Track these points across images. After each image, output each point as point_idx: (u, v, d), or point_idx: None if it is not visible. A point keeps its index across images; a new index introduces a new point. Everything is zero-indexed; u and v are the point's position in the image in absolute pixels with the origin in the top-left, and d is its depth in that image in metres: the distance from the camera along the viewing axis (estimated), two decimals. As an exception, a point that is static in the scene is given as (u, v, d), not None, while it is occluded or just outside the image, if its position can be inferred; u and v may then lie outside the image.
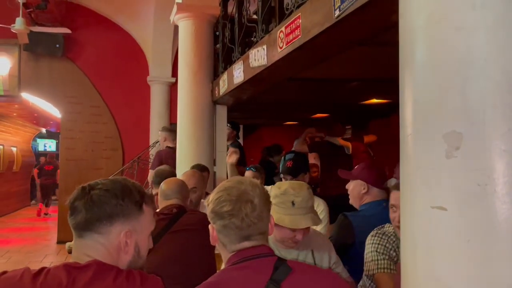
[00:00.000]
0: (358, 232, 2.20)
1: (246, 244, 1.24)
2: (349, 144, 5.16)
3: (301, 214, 1.68)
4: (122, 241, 1.18)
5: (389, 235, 1.96)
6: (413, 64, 1.07)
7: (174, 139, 4.95)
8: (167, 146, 5.03)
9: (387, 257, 1.89)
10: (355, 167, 2.57)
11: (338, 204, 2.76)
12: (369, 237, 2.00)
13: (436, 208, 0.98)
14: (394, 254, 1.91)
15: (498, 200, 0.90)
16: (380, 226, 2.03)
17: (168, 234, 2.15)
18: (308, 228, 1.77)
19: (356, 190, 2.45)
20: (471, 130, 0.93)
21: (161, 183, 2.44)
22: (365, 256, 1.97)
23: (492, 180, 0.90)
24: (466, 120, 0.94)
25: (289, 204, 1.69)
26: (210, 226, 1.30)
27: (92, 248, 1.17)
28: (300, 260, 1.83)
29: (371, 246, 1.94)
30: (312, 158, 6.32)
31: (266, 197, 1.30)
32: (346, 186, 2.51)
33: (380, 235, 1.96)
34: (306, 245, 1.88)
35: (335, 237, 2.27)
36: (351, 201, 2.51)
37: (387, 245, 1.92)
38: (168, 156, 4.83)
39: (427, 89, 1.02)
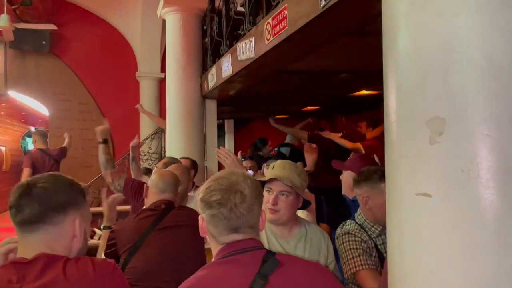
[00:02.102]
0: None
1: (235, 236, 1.22)
2: (359, 146, 4.93)
3: (274, 174, 1.86)
4: (76, 230, 1.20)
5: (353, 230, 1.95)
6: (396, 50, 1.06)
7: (44, 142, 5.75)
8: (38, 148, 5.62)
9: (362, 252, 1.88)
10: (349, 157, 2.57)
11: (329, 196, 2.76)
12: (336, 240, 1.99)
13: (421, 195, 0.97)
14: (366, 245, 1.90)
15: (482, 185, 0.90)
16: (341, 225, 2.03)
17: (155, 231, 2.10)
18: (283, 202, 1.85)
19: (348, 182, 2.44)
20: (454, 115, 0.93)
21: (154, 175, 2.34)
22: (341, 256, 1.95)
23: (475, 165, 0.90)
24: (449, 105, 0.93)
25: (270, 169, 1.95)
26: (199, 217, 1.28)
27: (44, 240, 1.17)
28: (296, 250, 1.85)
29: (345, 245, 1.92)
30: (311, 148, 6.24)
31: (258, 190, 1.28)
32: (340, 177, 2.52)
33: (346, 233, 1.95)
34: (305, 237, 1.91)
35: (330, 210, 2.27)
36: (343, 192, 2.50)
37: (357, 239, 1.91)
38: (36, 156, 5.50)
39: (410, 75, 1.01)
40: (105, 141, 3.10)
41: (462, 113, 0.92)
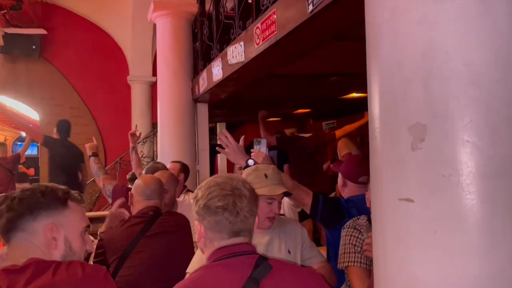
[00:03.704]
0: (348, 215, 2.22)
1: (235, 240, 1.24)
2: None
3: (274, 183, 1.80)
4: (47, 236, 1.20)
5: (361, 226, 1.98)
6: (379, 58, 1.08)
7: (2, 151, 6.66)
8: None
9: (360, 249, 1.92)
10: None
11: (328, 196, 2.77)
12: (343, 229, 2.02)
13: (404, 200, 0.99)
14: None
15: (463, 190, 0.91)
16: (355, 218, 2.06)
17: (145, 238, 2.09)
18: (280, 204, 1.86)
19: (339, 183, 2.49)
20: (434, 122, 0.94)
21: (138, 181, 2.32)
22: (340, 247, 1.99)
23: (456, 171, 0.92)
24: (429, 112, 0.95)
25: (262, 177, 1.81)
26: (197, 223, 1.28)
27: (22, 248, 1.18)
28: (272, 244, 1.86)
29: (346, 238, 1.97)
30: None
31: (255, 193, 1.30)
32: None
33: (353, 228, 1.98)
34: (278, 228, 1.92)
35: (326, 206, 2.26)
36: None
37: (360, 236, 1.95)
38: None
39: (392, 82, 1.03)
40: (94, 154, 3.33)
41: (442, 119, 0.94)
